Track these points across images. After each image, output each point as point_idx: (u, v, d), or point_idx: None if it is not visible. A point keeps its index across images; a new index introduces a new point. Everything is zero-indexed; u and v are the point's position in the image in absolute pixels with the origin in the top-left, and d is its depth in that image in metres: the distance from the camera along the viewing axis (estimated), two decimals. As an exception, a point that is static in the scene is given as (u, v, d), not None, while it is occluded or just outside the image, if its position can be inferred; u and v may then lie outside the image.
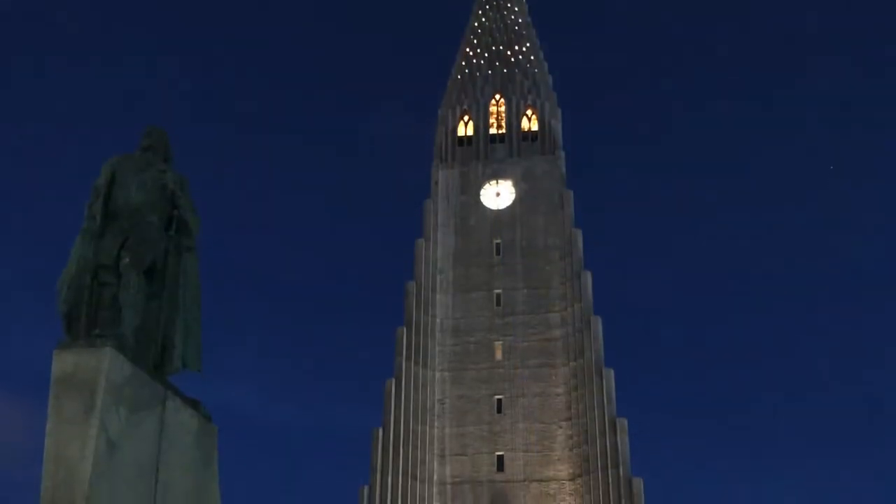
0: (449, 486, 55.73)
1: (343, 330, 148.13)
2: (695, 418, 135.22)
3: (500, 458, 55.98)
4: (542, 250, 61.33)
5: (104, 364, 9.95)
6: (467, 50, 70.59)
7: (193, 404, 11.64)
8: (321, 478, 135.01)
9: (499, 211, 63.07)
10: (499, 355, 58.59)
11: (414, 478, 55.20)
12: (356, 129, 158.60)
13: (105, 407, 9.80)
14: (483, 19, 71.47)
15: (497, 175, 64.27)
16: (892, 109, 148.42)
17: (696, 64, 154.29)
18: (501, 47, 69.93)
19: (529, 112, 66.83)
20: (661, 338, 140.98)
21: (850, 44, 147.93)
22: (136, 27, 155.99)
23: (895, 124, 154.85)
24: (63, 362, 10.01)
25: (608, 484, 53.12)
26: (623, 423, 54.22)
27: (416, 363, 57.97)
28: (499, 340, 58.93)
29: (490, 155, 65.40)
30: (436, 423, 57.17)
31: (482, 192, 63.82)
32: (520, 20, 71.33)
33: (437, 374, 58.43)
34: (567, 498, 54.57)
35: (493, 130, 66.56)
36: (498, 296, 60.19)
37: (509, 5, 71.90)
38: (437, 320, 59.82)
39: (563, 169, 64.16)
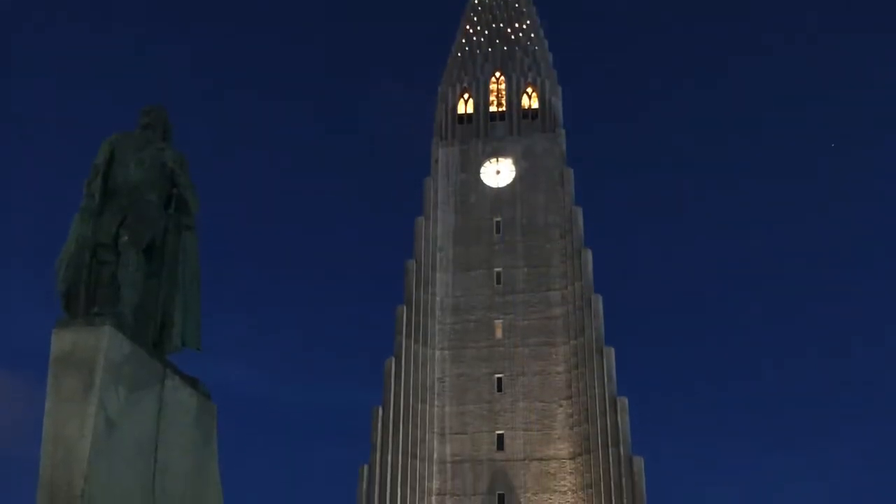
0: (449, 465, 55.83)
1: (343, 308, 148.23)
2: (696, 397, 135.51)
3: (500, 437, 56.04)
4: (542, 228, 61.26)
5: (103, 342, 9.92)
6: (467, 27, 70.37)
7: (192, 382, 11.63)
8: (321, 456, 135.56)
9: (499, 189, 62.98)
10: (499, 334, 58.61)
11: (414, 456, 55.30)
12: (356, 107, 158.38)
13: (104, 385, 9.77)
14: (483, -4, 71.20)
15: (497, 153, 64.16)
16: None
17: (697, 38, 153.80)
18: (502, 25, 69.71)
19: (530, 90, 66.66)
20: (662, 316, 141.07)
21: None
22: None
23: None
24: (62, 341, 9.99)
25: (608, 463, 53.20)
26: (623, 401, 54.25)
27: (416, 341, 57.99)
28: (499, 319, 58.93)
29: (490, 133, 65.27)
30: (436, 402, 57.23)
31: (482, 169, 63.71)
32: (520, -3, 71.05)
33: (437, 353, 58.46)
34: (567, 477, 54.66)
35: (493, 108, 66.40)
36: (498, 274, 60.17)
37: (510, -18, 71.59)
38: (437, 299, 59.81)
39: (564, 147, 64.02)
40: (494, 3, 70.61)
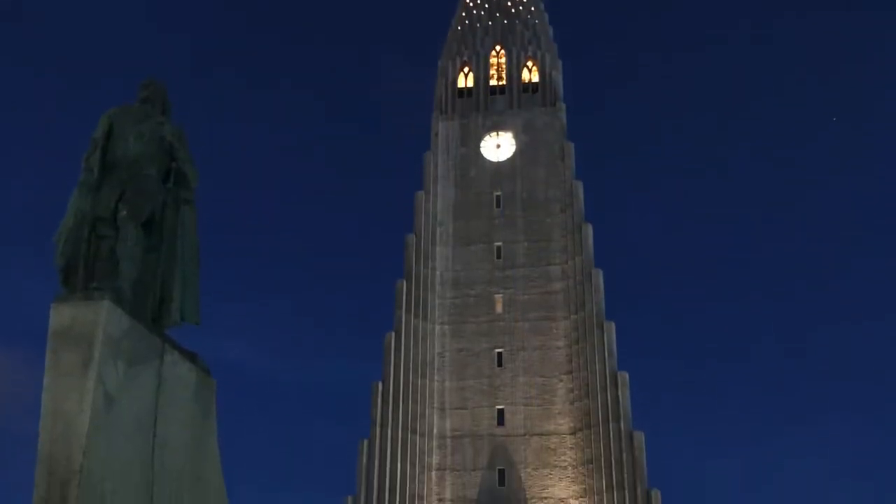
0: (449, 440, 55.93)
1: (342, 283, 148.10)
2: (697, 372, 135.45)
3: (501, 412, 56.11)
4: (542, 203, 61.17)
5: (102, 317, 9.89)
6: (467, 1, 70.09)
7: (191, 357, 11.61)
8: (321, 432, 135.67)
9: (499, 163, 62.86)
10: (499, 308, 58.62)
11: (414, 431, 55.39)
12: (355, 81, 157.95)
13: (103, 360, 9.75)
14: (484, -30, 70.86)
15: (497, 127, 64.02)
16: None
17: (698, 13, 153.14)
18: (502, -2, 69.44)
19: (530, 63, 66.45)
20: (663, 291, 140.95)
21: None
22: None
23: None
24: (60, 315, 9.96)
25: (609, 438, 53.29)
26: (624, 376, 54.30)
27: (416, 316, 58.00)
28: (499, 293, 58.93)
29: (490, 107, 65.10)
30: (436, 377, 57.29)
31: (482, 144, 63.58)
32: (520, -29, 70.69)
33: (437, 328, 58.48)
34: (567, 452, 54.77)
35: (493, 82, 66.19)
36: (498, 248, 60.12)
37: (510, -44, 71.23)
38: (437, 273, 59.80)
39: (564, 121, 63.85)
40: (495, -24, 70.28)
